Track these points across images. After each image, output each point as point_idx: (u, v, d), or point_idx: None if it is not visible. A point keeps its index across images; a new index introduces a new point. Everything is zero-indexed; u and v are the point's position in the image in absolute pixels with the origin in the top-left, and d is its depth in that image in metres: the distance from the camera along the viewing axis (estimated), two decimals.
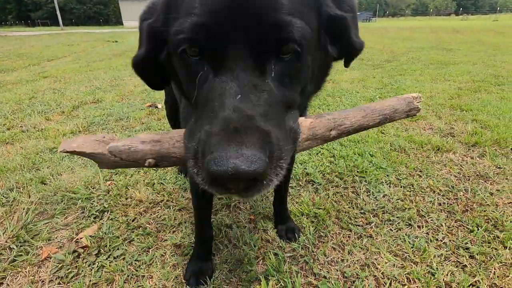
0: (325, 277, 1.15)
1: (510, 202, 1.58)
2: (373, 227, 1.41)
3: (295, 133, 0.63)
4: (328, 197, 1.64)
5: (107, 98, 3.70)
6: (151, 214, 1.54)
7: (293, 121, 0.63)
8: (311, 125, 0.70)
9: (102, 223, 1.47)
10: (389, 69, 5.45)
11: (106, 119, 2.91)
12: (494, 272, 1.15)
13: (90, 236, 1.37)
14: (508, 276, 1.13)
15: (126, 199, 1.66)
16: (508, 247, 1.26)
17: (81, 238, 1.35)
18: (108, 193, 1.70)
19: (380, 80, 4.52)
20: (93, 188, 1.75)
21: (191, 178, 1.14)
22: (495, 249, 1.26)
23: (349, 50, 0.72)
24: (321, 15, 0.64)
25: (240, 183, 0.48)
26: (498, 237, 1.32)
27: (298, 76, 0.62)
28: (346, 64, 0.80)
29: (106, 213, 1.55)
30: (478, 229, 1.37)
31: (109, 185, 1.79)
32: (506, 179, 1.80)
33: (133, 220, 1.49)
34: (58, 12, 38.52)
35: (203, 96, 0.58)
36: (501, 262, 1.19)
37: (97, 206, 1.59)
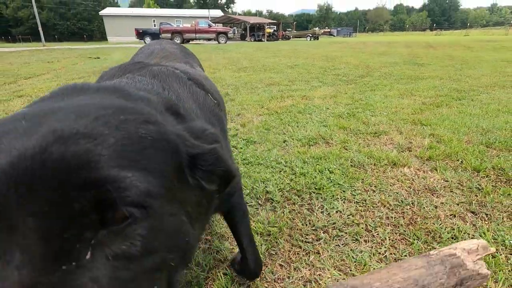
0: None
1: (452, 214, 1.70)
2: (322, 243, 1.49)
3: None
4: (284, 215, 1.72)
5: None
6: None
7: None
8: None
9: None
10: (361, 85, 5.70)
11: None
12: None
13: None
14: None
15: None
16: None
17: None
18: None
19: (351, 96, 4.72)
20: None
21: None
22: None
23: (227, 178, 0.59)
24: (180, 155, 0.50)
25: None
26: (435, 249, 1.42)
27: (149, 248, 0.41)
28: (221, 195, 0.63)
29: None
30: (417, 242, 1.47)
31: None
32: (451, 191, 1.93)
33: None
34: (40, 28, 38.15)
35: None
36: None
37: None
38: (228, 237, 1.55)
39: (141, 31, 27.48)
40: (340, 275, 1.29)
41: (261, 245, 1.48)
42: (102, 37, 52.80)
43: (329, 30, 54.40)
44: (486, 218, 1.65)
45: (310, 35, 37.70)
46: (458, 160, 2.34)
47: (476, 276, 0.45)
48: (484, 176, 2.09)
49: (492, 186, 1.96)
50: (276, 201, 1.86)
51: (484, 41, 20.64)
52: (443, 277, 0.43)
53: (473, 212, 1.71)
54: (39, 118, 0.40)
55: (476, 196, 1.86)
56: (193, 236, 0.50)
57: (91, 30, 59.99)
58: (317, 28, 48.56)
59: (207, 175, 0.54)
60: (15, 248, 0.33)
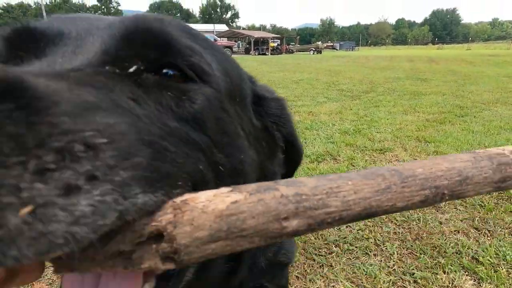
0: None
1: (456, 230, 1.80)
2: (334, 256, 1.60)
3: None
4: None
5: None
6: None
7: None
8: (231, 208, 0.29)
9: None
10: (366, 101, 5.86)
11: None
12: None
13: None
14: None
15: None
16: (446, 272, 1.46)
17: None
18: None
19: (356, 112, 4.87)
20: None
21: None
22: (435, 273, 1.45)
23: (292, 144, 0.60)
24: (245, 87, 0.54)
25: None
26: (440, 263, 1.52)
27: (204, 120, 0.40)
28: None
29: None
30: (423, 256, 1.57)
31: None
32: (455, 208, 2.03)
33: None
34: None
35: None
36: (438, 285, 1.39)
37: None
38: None
39: None
40: (352, 286, 1.40)
41: None
42: None
43: (331, 44, 55.37)
44: (489, 234, 1.75)
45: (313, 49, 38.38)
46: None
47: None
48: (486, 194, 2.19)
49: (494, 203, 2.06)
50: None
51: (486, 55, 20.91)
52: (488, 171, 0.42)
53: (476, 228, 1.81)
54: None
55: (479, 212, 1.96)
56: (249, 160, 0.47)
57: None
58: (320, 42, 49.49)
59: (271, 124, 0.56)
60: (75, 50, 0.38)
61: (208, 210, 0.29)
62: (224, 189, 0.32)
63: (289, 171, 0.64)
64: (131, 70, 0.37)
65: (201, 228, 0.28)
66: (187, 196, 0.31)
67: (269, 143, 0.56)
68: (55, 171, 0.22)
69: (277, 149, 0.59)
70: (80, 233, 0.22)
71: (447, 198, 0.40)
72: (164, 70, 0.40)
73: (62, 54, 0.38)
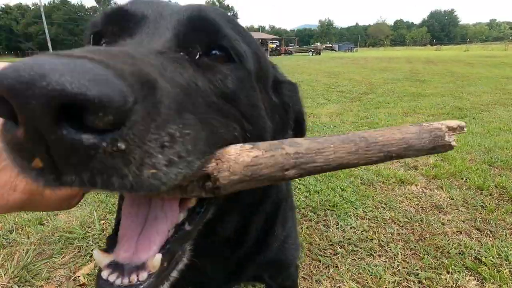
0: None
1: (458, 231, 1.83)
2: (339, 257, 1.62)
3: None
4: (302, 231, 1.85)
5: None
6: None
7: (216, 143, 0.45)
8: (253, 161, 0.44)
9: None
10: (366, 102, 5.89)
11: None
12: None
13: (87, 274, 1.52)
14: None
15: None
16: (450, 272, 1.48)
17: (78, 277, 1.50)
18: (103, 232, 1.86)
19: (356, 114, 4.90)
20: (88, 228, 1.90)
21: None
22: (439, 274, 1.48)
23: (299, 121, 0.73)
24: (268, 72, 0.66)
25: (37, 108, 0.26)
26: (444, 263, 1.55)
27: (237, 95, 0.52)
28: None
29: None
30: (427, 257, 1.60)
31: (103, 224, 1.95)
32: (457, 209, 2.06)
33: None
34: (49, 43, 39.30)
35: None
36: (443, 286, 1.41)
37: (92, 245, 1.74)
38: None
39: None
40: (358, 287, 1.42)
41: None
42: None
43: (330, 45, 55.49)
44: (491, 235, 1.77)
45: (312, 50, 38.50)
46: (462, 179, 2.48)
47: (446, 145, 0.60)
48: (487, 195, 2.22)
49: (496, 204, 2.09)
50: None
51: (484, 56, 21.02)
52: (425, 142, 0.57)
53: (478, 229, 1.84)
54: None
55: (481, 213, 1.99)
56: (268, 128, 0.60)
57: None
58: (318, 44, 49.60)
59: (284, 102, 0.68)
60: (153, 33, 0.50)
61: (239, 161, 0.44)
62: (247, 146, 0.46)
63: None
64: (196, 57, 0.50)
65: (235, 173, 0.43)
66: (222, 149, 0.45)
67: (283, 118, 0.69)
68: (168, 147, 0.34)
69: (288, 124, 0.71)
70: (171, 175, 0.35)
71: (394, 158, 0.56)
72: (213, 51, 0.52)
73: (146, 34, 0.49)
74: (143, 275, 0.43)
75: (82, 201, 2.20)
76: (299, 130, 0.74)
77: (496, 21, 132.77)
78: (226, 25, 0.53)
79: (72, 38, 63.84)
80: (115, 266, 0.44)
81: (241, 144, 0.46)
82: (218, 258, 0.74)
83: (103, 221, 1.98)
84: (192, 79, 0.45)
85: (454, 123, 0.62)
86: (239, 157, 0.44)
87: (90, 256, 1.67)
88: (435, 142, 0.59)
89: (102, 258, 0.45)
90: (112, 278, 0.43)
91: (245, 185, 0.45)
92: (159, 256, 0.45)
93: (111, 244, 0.47)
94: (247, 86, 0.55)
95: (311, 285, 1.44)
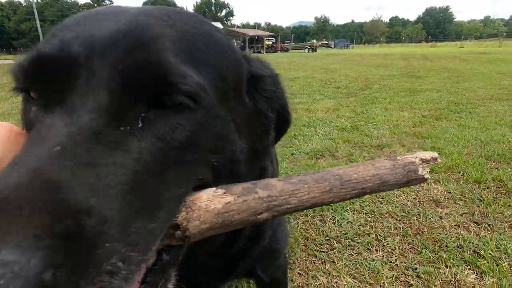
0: None
1: (456, 225, 1.80)
2: (336, 252, 1.58)
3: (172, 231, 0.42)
4: (298, 226, 1.81)
5: None
6: None
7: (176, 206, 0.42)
8: (225, 207, 0.44)
9: None
10: (362, 98, 5.87)
11: None
12: None
13: None
14: None
15: None
16: (448, 266, 1.46)
17: None
18: None
19: (353, 109, 4.87)
20: None
21: None
22: (438, 268, 1.45)
23: (283, 117, 0.66)
24: (242, 69, 0.57)
25: None
26: (442, 257, 1.52)
27: (195, 140, 0.45)
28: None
29: None
30: (425, 251, 1.56)
31: None
32: (455, 203, 2.03)
33: None
34: (42, 40, 38.65)
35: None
36: (441, 280, 1.38)
37: None
38: None
39: None
40: (355, 282, 1.39)
41: None
42: None
43: (326, 42, 55.50)
44: (489, 228, 1.75)
45: (308, 47, 38.44)
46: (459, 172, 2.46)
47: (420, 178, 0.61)
48: (485, 188, 2.20)
49: (493, 197, 2.07)
50: None
51: (478, 53, 21.15)
52: (399, 176, 0.58)
53: (476, 223, 1.81)
54: (117, 12, 0.47)
55: (478, 207, 1.97)
56: (240, 149, 0.52)
57: None
58: (314, 40, 49.57)
59: (265, 100, 0.60)
60: (87, 96, 0.39)
61: (210, 209, 0.43)
62: (219, 191, 0.45)
63: (277, 137, 0.69)
64: (140, 125, 0.41)
65: (205, 222, 0.43)
66: (193, 196, 0.44)
67: (263, 123, 0.61)
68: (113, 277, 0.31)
69: (270, 127, 0.63)
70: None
71: (368, 193, 0.56)
72: (161, 101, 0.42)
73: (78, 96, 0.40)
74: None
75: None
76: (283, 123, 0.67)
77: (490, 18, 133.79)
78: (176, 62, 0.42)
79: None
80: None
81: (214, 189, 0.45)
82: (212, 258, 0.74)
83: None
84: (136, 161, 0.38)
85: (427, 155, 0.63)
86: (210, 205, 0.43)
87: None
88: (409, 176, 0.59)
89: None
90: None
91: (216, 231, 0.44)
92: None
93: None
94: (207, 125, 0.46)
95: (307, 281, 1.40)
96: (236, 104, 0.53)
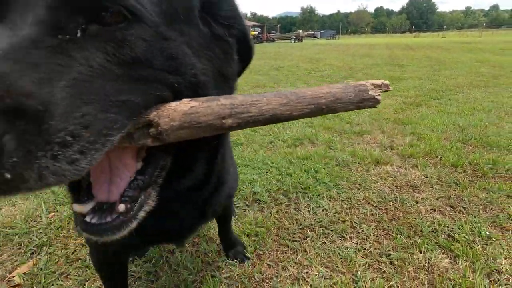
0: None
1: (432, 209, 1.77)
2: (309, 241, 1.51)
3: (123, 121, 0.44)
4: (271, 215, 1.73)
5: None
6: None
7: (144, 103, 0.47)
8: (191, 110, 0.49)
9: (40, 258, 1.43)
10: None
11: None
12: (408, 275, 1.28)
13: (24, 273, 1.33)
14: (419, 278, 1.27)
15: (68, 231, 1.63)
16: (422, 251, 1.41)
17: (13, 277, 1.31)
18: (50, 225, 1.66)
19: None
20: (33, 221, 1.70)
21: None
22: (412, 253, 1.40)
23: (245, 43, 0.67)
24: None
25: None
26: (416, 242, 1.48)
27: (138, 56, 0.46)
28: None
29: (44, 247, 1.51)
30: (400, 236, 1.52)
31: (51, 217, 1.74)
32: (431, 187, 2.00)
33: (72, 253, 1.47)
34: None
35: None
36: (415, 265, 1.33)
37: (36, 240, 1.55)
38: (215, 240, 1.54)
39: None
40: (327, 271, 1.32)
41: (249, 245, 1.49)
42: None
43: (312, 32, 55.32)
44: (464, 211, 1.72)
45: (294, 37, 38.14)
46: (437, 157, 2.44)
47: (372, 99, 0.66)
48: (461, 172, 2.18)
49: (469, 180, 2.05)
50: (264, 201, 1.87)
51: (459, 42, 21.55)
52: (351, 95, 0.64)
53: (451, 206, 1.78)
54: None
55: (454, 190, 1.94)
56: (202, 71, 0.55)
57: None
58: (301, 31, 49.14)
59: (222, 25, 0.61)
60: (26, 12, 0.41)
61: (177, 109, 0.49)
62: (185, 100, 0.51)
63: (242, 65, 0.72)
64: (79, 34, 0.43)
65: (174, 120, 0.49)
66: (161, 105, 0.50)
67: (223, 48, 0.62)
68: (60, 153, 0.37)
69: (231, 51, 0.65)
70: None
71: (325, 111, 0.62)
72: (102, 13, 0.44)
73: (17, 12, 0.42)
74: (113, 216, 0.52)
75: (30, 193, 1.98)
76: (245, 49, 0.68)
77: (471, 9, 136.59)
78: None
79: None
80: (93, 211, 0.53)
81: (183, 100, 0.51)
82: (187, 202, 0.78)
83: (51, 214, 1.77)
84: (80, 64, 0.41)
85: (378, 81, 0.69)
86: (177, 107, 0.50)
87: (32, 253, 1.48)
88: (360, 96, 0.65)
89: (84, 207, 0.53)
90: (93, 220, 0.52)
91: (187, 132, 0.50)
92: (123, 205, 0.53)
93: (80, 198, 0.55)
94: (155, 43, 0.48)
95: (276, 272, 1.32)
96: (189, 29, 0.55)
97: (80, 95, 0.39)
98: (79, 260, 1.42)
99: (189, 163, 0.67)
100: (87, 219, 0.52)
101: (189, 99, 0.51)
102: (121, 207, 0.52)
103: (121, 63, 0.45)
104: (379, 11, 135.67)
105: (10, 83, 0.34)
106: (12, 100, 0.33)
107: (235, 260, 1.40)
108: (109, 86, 0.43)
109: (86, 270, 1.35)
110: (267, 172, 2.24)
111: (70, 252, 1.47)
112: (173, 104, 0.50)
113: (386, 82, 0.69)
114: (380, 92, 0.67)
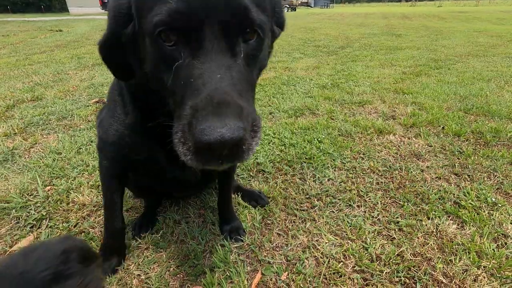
0: (269, 262, 1.21)
1: (437, 177, 1.76)
2: (317, 210, 1.50)
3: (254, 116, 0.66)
4: (277, 185, 1.70)
5: (48, 94, 3.40)
6: (95, 218, 1.47)
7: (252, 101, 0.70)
8: None
9: (40, 232, 1.38)
10: (342, 56, 5.66)
11: (47, 119, 2.69)
12: (417, 241, 1.29)
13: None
14: (428, 244, 1.27)
15: (68, 204, 1.57)
16: (430, 218, 1.42)
17: (14, 251, 1.26)
18: (47, 199, 1.60)
19: (333, 67, 4.68)
20: (30, 195, 1.63)
21: (100, 158, 1.10)
22: (420, 220, 1.41)
23: (281, 26, 0.87)
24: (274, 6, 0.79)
25: (224, 150, 0.55)
26: (424, 209, 1.48)
27: (259, 58, 0.72)
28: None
29: (44, 221, 1.45)
30: (407, 204, 1.52)
31: (48, 190, 1.67)
32: (435, 156, 1.99)
33: (75, 226, 1.42)
34: None
35: (182, 79, 0.63)
36: (423, 232, 1.34)
37: (34, 214, 1.49)
38: None
39: (106, 0, 25.30)
40: (336, 239, 1.31)
41: (256, 216, 1.47)
42: (62, 8, 48.03)
43: (306, 1, 53.06)
44: (469, 179, 1.73)
45: (288, 6, 36.55)
46: (439, 126, 2.42)
47: None
48: (464, 140, 2.18)
49: (473, 149, 2.05)
50: (268, 172, 1.84)
51: (456, 12, 21.05)
52: None
53: (456, 174, 1.78)
54: None
55: (458, 159, 1.94)
56: (262, 68, 0.80)
57: (49, 0, 54.35)
58: None
59: (276, 19, 0.82)
60: (208, 46, 0.62)
61: None
62: None
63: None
64: (242, 55, 0.67)
65: None
66: None
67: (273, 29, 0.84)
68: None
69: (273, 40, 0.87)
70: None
71: None
72: (245, 35, 0.67)
73: (209, 41, 0.62)
74: None
75: (22, 166, 1.88)
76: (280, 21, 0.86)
77: None
78: (253, 9, 0.64)
79: None
80: None
81: None
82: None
83: (48, 187, 1.70)
84: (241, 73, 0.66)
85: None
86: None
87: (31, 227, 1.42)
88: None
89: None
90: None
91: None
92: None
93: None
94: (264, 50, 0.74)
95: (286, 241, 1.31)
96: (269, 35, 0.77)
97: (249, 99, 0.66)
98: (83, 233, 1.37)
99: None
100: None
101: None
102: None
103: (251, 67, 0.70)
104: None
105: (247, 113, 0.60)
106: (256, 123, 0.62)
107: (228, 240, 1.31)
108: (249, 87, 0.68)
109: (91, 243, 1.32)
110: (269, 143, 2.19)
111: (72, 225, 1.42)
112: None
113: None
114: None
